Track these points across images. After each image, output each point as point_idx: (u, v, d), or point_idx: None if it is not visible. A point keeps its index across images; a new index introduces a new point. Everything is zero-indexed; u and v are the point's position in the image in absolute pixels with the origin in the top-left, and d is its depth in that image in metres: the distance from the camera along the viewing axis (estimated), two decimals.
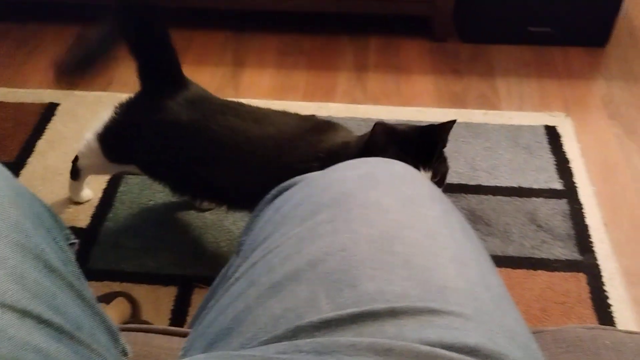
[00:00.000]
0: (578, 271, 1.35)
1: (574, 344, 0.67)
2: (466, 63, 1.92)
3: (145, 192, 1.50)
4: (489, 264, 0.54)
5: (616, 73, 1.87)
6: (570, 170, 1.57)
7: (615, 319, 1.26)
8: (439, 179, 1.05)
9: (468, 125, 1.70)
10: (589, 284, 1.33)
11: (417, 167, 0.98)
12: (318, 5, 1.97)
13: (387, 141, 1.02)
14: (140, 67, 1.20)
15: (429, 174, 1.01)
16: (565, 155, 1.61)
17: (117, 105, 1.26)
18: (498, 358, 0.43)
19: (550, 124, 1.70)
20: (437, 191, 0.58)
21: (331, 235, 0.48)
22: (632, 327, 1.25)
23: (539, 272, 1.35)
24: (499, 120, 1.71)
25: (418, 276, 0.46)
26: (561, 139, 1.65)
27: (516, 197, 1.50)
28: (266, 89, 1.84)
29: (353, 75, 1.89)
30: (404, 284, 0.45)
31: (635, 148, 1.64)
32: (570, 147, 1.63)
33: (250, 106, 1.24)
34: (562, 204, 1.49)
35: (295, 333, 0.42)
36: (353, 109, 1.76)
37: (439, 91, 1.83)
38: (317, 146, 1.12)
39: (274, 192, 0.59)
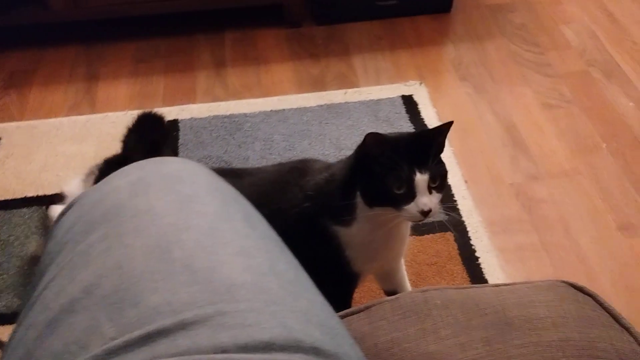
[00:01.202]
0: (446, 231, 1.41)
1: (410, 309, 0.71)
2: (322, 45, 1.95)
3: (4, 227, 1.42)
4: (278, 248, 0.54)
5: (463, 36, 1.96)
6: None
7: (483, 270, 1.34)
8: (439, 183, 0.98)
9: (330, 107, 1.73)
10: (456, 241, 1.39)
11: (413, 171, 0.95)
12: (170, 6, 1.93)
13: (379, 150, 0.95)
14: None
15: (425, 177, 0.95)
16: (423, 121, 1.67)
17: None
18: (295, 345, 0.44)
19: (407, 93, 1.76)
20: (217, 183, 0.56)
21: (104, 254, 0.46)
22: (499, 273, 1.33)
23: (410, 238, 1.40)
24: (359, 97, 1.76)
25: (203, 279, 0.45)
26: (418, 107, 1.71)
27: None
28: (124, 99, 1.78)
29: (212, 72, 1.87)
30: (189, 290, 0.44)
31: (486, 105, 1.73)
32: (427, 113, 1.69)
33: (230, 167, 1.27)
34: None
35: None
36: (215, 107, 1.74)
37: (299, 77, 1.85)
38: (303, 186, 1.07)
39: (54, 221, 0.56)
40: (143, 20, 2.01)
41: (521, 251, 1.39)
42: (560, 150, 1.60)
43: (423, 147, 0.97)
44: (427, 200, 0.96)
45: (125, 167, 0.57)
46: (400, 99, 1.74)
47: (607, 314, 0.67)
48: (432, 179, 0.96)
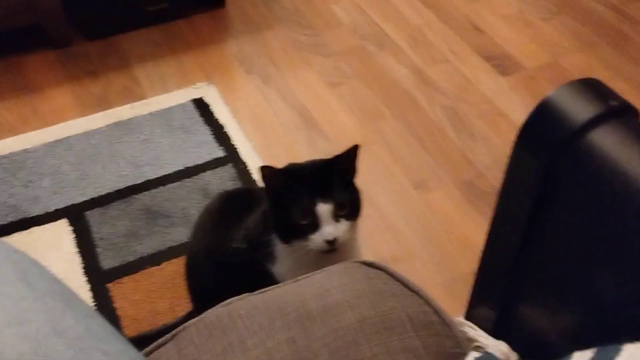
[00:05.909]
0: None
1: (215, 326, 0.69)
2: (99, 61, 1.85)
3: None
4: (62, 302, 0.51)
5: (241, 29, 1.97)
6: (227, 134, 1.62)
7: None
8: (349, 210, 0.98)
9: (118, 124, 1.65)
10: None
11: (315, 200, 0.94)
12: None
13: (279, 182, 0.97)
14: None
15: (329, 205, 0.94)
16: (218, 122, 1.66)
17: None
18: None
19: (197, 96, 1.73)
20: None
21: None
22: None
23: None
24: (148, 109, 1.69)
25: None
26: (210, 108, 1.69)
27: (185, 179, 1.52)
28: None
29: None
30: None
31: (275, 94, 1.76)
32: (221, 112, 1.68)
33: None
34: (228, 169, 1.54)
35: None
36: None
37: (80, 99, 1.73)
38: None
39: None
40: None
41: None
42: (350, 124, 1.68)
43: (325, 175, 0.98)
44: (332, 229, 0.96)
45: None
46: (191, 103, 1.71)
47: (398, 283, 0.71)
48: (338, 207, 0.96)
